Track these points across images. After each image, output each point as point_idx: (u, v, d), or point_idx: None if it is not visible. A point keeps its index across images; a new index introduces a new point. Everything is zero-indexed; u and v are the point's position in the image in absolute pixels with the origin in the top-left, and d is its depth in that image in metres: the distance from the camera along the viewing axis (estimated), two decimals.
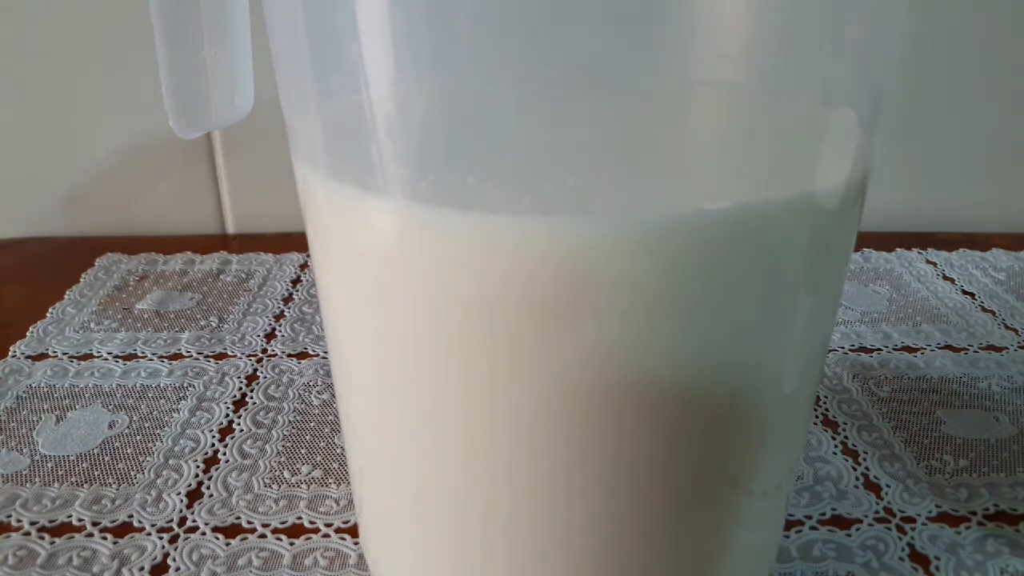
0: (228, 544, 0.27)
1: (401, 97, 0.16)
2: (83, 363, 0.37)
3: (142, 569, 0.26)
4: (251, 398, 0.35)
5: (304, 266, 0.47)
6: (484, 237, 0.16)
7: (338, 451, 0.31)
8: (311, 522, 0.28)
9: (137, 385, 0.35)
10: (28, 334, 0.39)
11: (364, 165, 0.16)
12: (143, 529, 0.27)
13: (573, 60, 0.16)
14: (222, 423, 0.33)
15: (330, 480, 0.30)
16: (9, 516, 0.28)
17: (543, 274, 0.16)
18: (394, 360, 0.18)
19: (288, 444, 0.32)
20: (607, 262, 0.15)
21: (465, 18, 0.16)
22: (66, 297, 0.43)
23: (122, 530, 0.27)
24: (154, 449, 0.31)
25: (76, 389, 0.35)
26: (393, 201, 0.16)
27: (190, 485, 0.29)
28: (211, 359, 0.37)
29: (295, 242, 0.50)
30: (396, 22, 0.16)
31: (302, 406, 0.34)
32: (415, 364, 0.18)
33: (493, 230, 0.15)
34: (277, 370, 0.37)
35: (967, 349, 0.39)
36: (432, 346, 0.17)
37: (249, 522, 0.28)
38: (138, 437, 0.32)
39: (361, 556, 0.26)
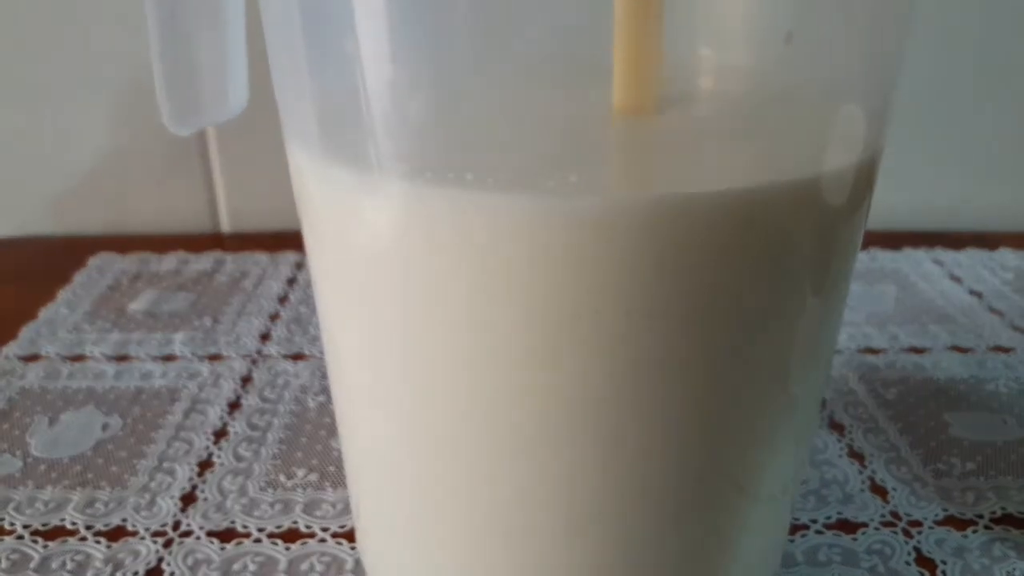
0: (223, 548, 0.26)
1: (398, 91, 0.16)
2: (76, 364, 0.37)
3: (136, 573, 0.25)
4: (246, 400, 0.34)
5: (300, 265, 0.47)
6: (483, 228, 0.15)
7: (334, 454, 0.31)
8: (307, 526, 0.27)
9: (131, 387, 0.35)
10: (20, 335, 0.39)
11: (360, 161, 0.16)
12: (137, 533, 0.27)
13: (574, 48, 0.16)
14: (216, 425, 0.33)
15: (326, 484, 0.29)
16: (2, 519, 0.27)
17: (542, 267, 0.15)
18: (391, 359, 0.18)
19: (284, 447, 0.31)
20: (608, 254, 0.15)
21: (462, 10, 0.16)
22: (58, 297, 0.42)
23: (116, 534, 0.27)
24: (148, 452, 0.31)
25: (69, 391, 0.35)
26: (389, 198, 0.16)
27: (184, 488, 0.29)
28: (205, 360, 0.37)
29: (290, 241, 0.49)
30: (393, 15, 0.15)
31: (298, 408, 0.34)
32: (412, 363, 0.18)
33: (492, 221, 0.15)
34: (272, 372, 0.36)
35: (974, 350, 0.39)
36: (429, 343, 0.17)
37: (244, 526, 0.27)
38: (132, 439, 0.32)
39: (358, 561, 0.26)
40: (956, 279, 0.46)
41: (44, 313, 0.41)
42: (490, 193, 0.15)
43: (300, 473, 0.30)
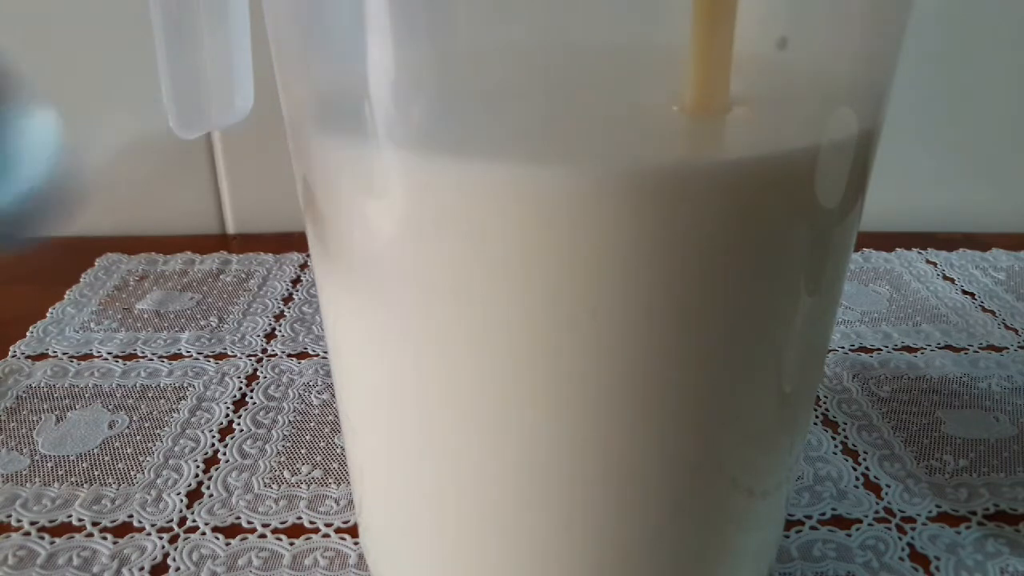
0: (228, 544, 0.27)
1: (400, 77, 0.16)
2: (83, 363, 0.37)
3: (142, 569, 0.26)
4: (251, 398, 0.35)
5: (304, 266, 0.47)
6: (486, 220, 0.16)
7: (338, 451, 0.31)
8: (311, 522, 0.28)
9: (137, 385, 0.35)
10: (28, 334, 0.39)
11: (362, 150, 0.16)
12: (143, 529, 0.27)
13: (576, 29, 0.16)
14: (222, 423, 0.33)
15: (330, 480, 0.30)
16: (9, 516, 0.28)
17: (547, 264, 0.16)
18: (394, 356, 0.18)
19: (288, 444, 0.32)
20: (606, 243, 0.15)
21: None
22: (66, 297, 0.43)
23: (122, 530, 0.27)
24: (154, 449, 0.31)
25: (76, 389, 0.35)
26: (391, 187, 0.16)
27: (190, 485, 0.29)
28: (211, 359, 0.37)
29: (295, 242, 0.49)
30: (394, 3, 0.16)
31: (302, 406, 0.34)
32: (415, 360, 0.18)
33: (497, 214, 0.15)
34: (277, 370, 0.37)
35: (967, 349, 0.39)
36: (432, 337, 0.17)
37: (249, 522, 0.28)
38: (138, 437, 0.32)
39: (361, 556, 0.26)
40: (949, 279, 0.46)
41: (52, 312, 0.41)
42: (495, 177, 0.15)
43: (304, 469, 0.30)
